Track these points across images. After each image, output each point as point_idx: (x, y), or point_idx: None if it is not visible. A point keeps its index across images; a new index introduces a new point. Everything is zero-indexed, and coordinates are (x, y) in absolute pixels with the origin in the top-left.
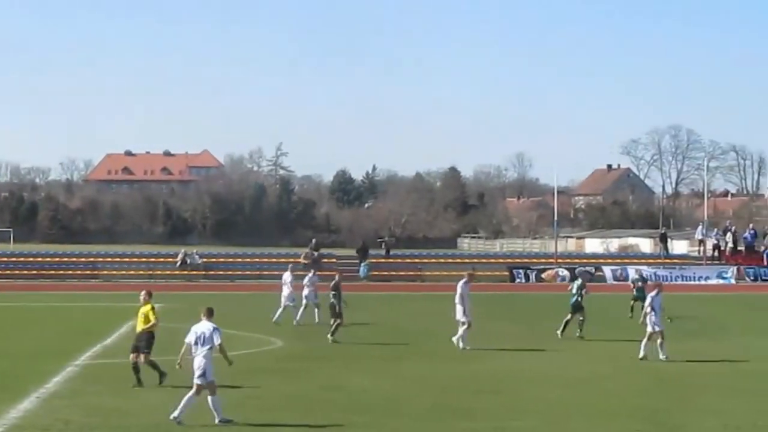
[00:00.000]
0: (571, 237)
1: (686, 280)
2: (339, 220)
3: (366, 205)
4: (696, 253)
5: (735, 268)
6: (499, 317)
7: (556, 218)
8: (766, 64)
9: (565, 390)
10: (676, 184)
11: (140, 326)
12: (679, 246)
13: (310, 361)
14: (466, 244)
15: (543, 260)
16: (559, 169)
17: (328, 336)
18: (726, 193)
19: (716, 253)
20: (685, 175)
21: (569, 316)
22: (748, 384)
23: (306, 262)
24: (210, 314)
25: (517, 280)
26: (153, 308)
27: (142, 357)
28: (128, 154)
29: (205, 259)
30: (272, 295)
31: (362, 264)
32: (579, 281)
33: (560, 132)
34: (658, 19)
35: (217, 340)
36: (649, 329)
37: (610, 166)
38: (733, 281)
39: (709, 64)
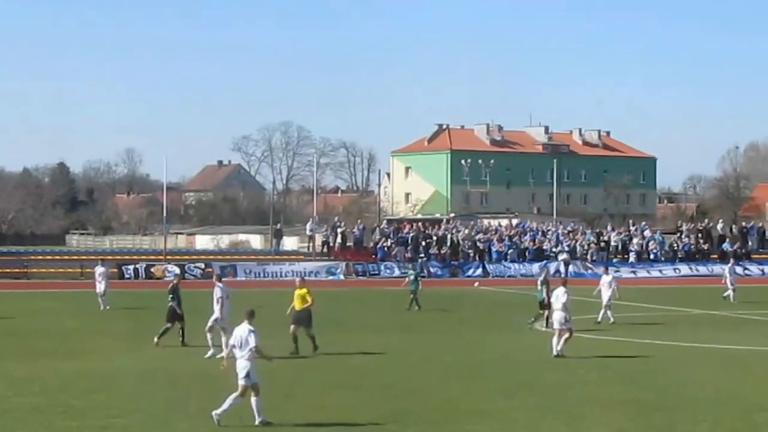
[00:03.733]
0: (182, 233)
1: (296, 276)
2: None
3: None
4: (306, 249)
5: (344, 264)
6: (110, 315)
7: (165, 214)
8: (372, 63)
9: (172, 387)
10: (287, 180)
11: (299, 305)
12: (289, 242)
13: None
14: (75, 240)
15: (152, 256)
16: (169, 165)
17: None
18: (336, 190)
19: (326, 249)
20: (296, 172)
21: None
22: (345, 378)
23: None
24: (250, 317)
25: (126, 277)
26: (309, 291)
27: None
28: None
29: None
30: None
31: None
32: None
33: (171, 128)
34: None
35: (252, 343)
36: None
37: (220, 162)
38: (342, 277)
39: (317, 61)
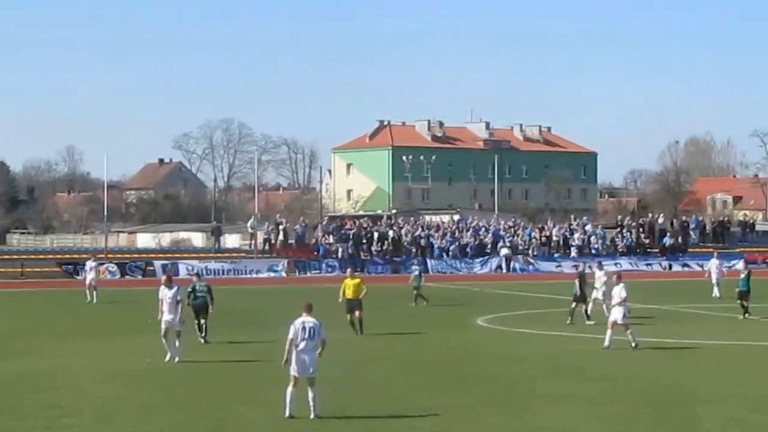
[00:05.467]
0: (123, 232)
1: (238, 274)
2: None
3: None
4: (248, 246)
5: (286, 261)
6: (53, 313)
7: (106, 213)
8: (312, 60)
9: (119, 386)
10: (229, 177)
11: (352, 294)
12: (231, 239)
13: None
14: (15, 239)
15: (93, 255)
16: (110, 164)
17: None
18: (278, 187)
19: (267, 246)
20: (237, 169)
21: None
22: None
23: None
24: (310, 309)
25: (67, 276)
26: (363, 280)
27: (357, 314)
28: None
29: None
30: None
31: None
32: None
33: (111, 126)
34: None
35: (324, 334)
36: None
37: (162, 160)
38: (283, 274)
39: (258, 58)
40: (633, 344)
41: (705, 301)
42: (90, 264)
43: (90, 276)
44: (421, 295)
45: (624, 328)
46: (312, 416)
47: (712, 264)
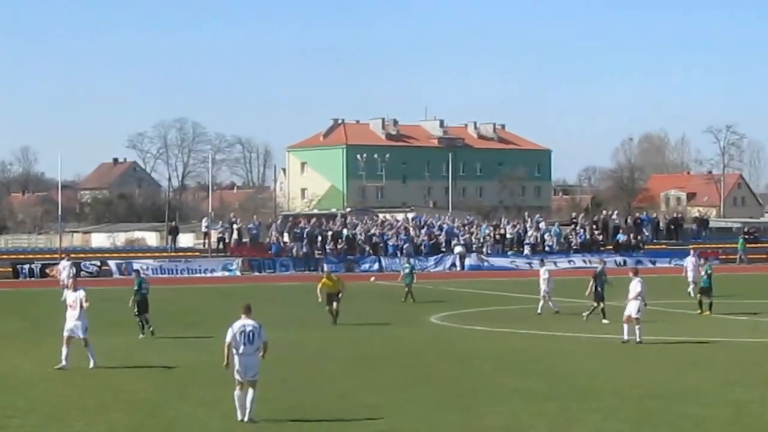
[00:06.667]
0: (78, 232)
1: (192, 273)
2: None
3: None
4: (202, 246)
5: (240, 260)
6: (3, 313)
7: (60, 212)
8: (266, 58)
9: (67, 386)
10: (183, 176)
11: (332, 288)
12: (185, 239)
13: None
14: None
15: (48, 255)
16: (64, 164)
17: None
18: (232, 186)
19: (221, 246)
20: (192, 168)
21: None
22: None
23: None
24: (249, 311)
25: (21, 276)
26: (340, 279)
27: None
28: None
29: None
30: None
31: None
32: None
33: (65, 126)
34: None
35: (265, 337)
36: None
37: (116, 160)
38: (238, 273)
39: (211, 57)
40: (638, 340)
41: (669, 297)
42: (63, 263)
43: (64, 275)
44: (410, 293)
45: (635, 322)
46: (246, 419)
47: (689, 261)
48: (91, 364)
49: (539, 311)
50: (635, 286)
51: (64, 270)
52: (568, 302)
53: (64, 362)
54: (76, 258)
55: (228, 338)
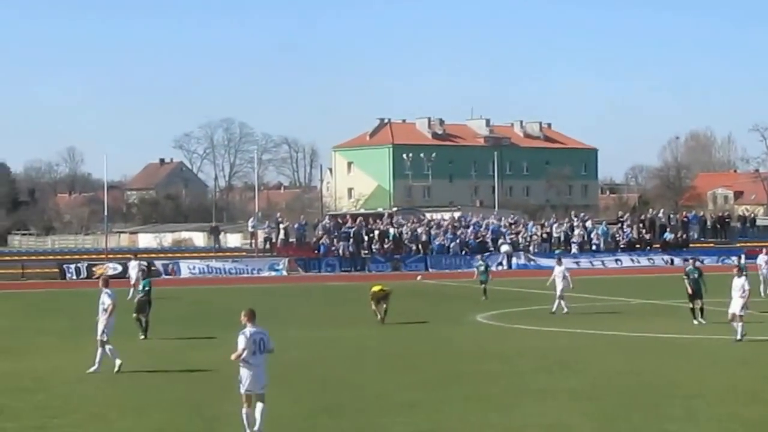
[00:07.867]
0: (124, 232)
1: (239, 273)
2: None
3: None
4: (249, 246)
5: (287, 259)
6: (49, 315)
7: (106, 213)
8: (313, 58)
9: (110, 386)
10: (229, 177)
11: (380, 292)
12: (232, 239)
13: None
14: (17, 241)
15: (94, 255)
16: (110, 164)
17: None
18: (279, 186)
19: (268, 245)
20: (238, 168)
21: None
22: (280, 372)
23: None
24: (254, 317)
25: (68, 276)
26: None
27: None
28: None
29: None
30: None
31: None
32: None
33: (112, 126)
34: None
35: (272, 345)
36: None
37: (162, 160)
38: (284, 273)
39: (258, 57)
40: (738, 337)
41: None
42: (133, 263)
43: (133, 274)
44: (485, 290)
45: (738, 319)
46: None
47: (761, 260)
48: (117, 364)
49: (553, 310)
50: (741, 284)
51: (133, 270)
52: (616, 301)
53: (117, 361)
54: (122, 258)
55: (242, 344)
